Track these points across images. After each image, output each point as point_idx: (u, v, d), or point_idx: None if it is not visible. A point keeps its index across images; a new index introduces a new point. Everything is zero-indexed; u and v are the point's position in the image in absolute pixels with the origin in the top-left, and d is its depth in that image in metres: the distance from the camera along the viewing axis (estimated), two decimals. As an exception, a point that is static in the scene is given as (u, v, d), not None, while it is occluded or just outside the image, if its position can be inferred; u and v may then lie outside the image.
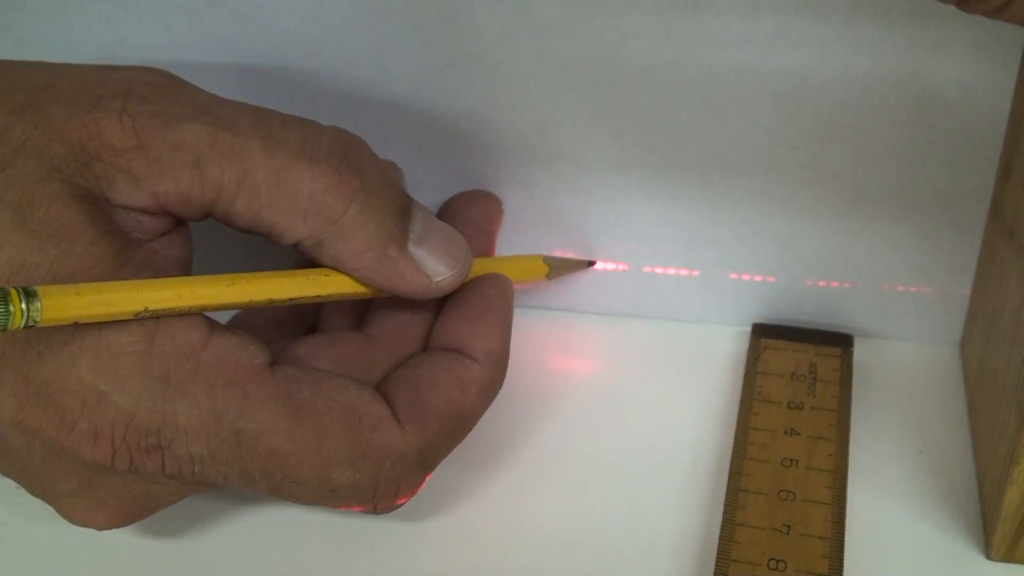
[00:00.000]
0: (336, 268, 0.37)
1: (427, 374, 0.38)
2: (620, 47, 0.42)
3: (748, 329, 0.47)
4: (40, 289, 0.30)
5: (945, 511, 0.40)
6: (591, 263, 0.48)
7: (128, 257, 0.34)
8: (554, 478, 0.42)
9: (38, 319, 0.30)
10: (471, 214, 0.45)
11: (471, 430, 0.39)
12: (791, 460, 0.41)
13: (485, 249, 0.45)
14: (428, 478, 0.38)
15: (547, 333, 0.49)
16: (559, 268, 0.47)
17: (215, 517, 0.41)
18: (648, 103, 0.43)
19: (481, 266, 0.41)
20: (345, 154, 0.37)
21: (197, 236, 0.38)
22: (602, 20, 0.41)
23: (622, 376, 0.47)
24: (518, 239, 0.48)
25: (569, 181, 0.46)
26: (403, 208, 0.38)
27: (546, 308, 0.50)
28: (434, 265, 0.38)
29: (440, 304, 0.40)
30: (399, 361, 0.39)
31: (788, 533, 0.38)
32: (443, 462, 0.38)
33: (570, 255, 0.48)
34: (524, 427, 0.44)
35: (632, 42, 0.41)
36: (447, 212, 0.45)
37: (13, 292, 0.30)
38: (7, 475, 0.36)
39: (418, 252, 0.38)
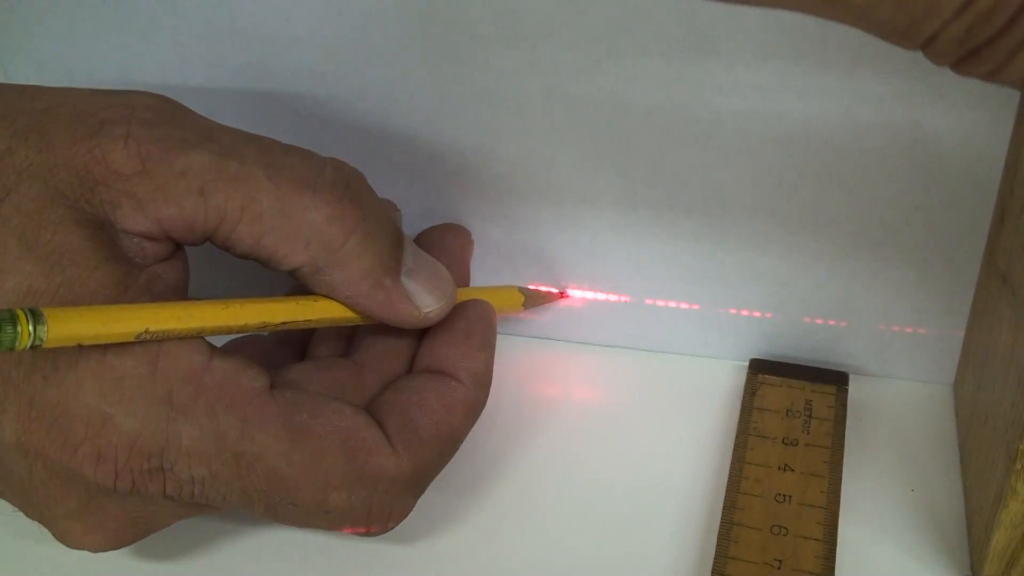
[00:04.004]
0: (330, 295, 0.38)
1: (415, 398, 0.38)
2: (628, 89, 0.42)
3: (745, 364, 0.48)
4: (45, 311, 0.31)
5: (934, 550, 0.40)
6: (563, 294, 0.49)
7: (131, 282, 0.35)
8: (548, 507, 0.43)
9: (44, 339, 0.31)
10: (446, 245, 0.46)
11: (457, 450, 0.39)
12: (784, 496, 0.41)
13: (462, 277, 0.45)
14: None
15: (547, 363, 0.49)
16: (534, 299, 0.48)
17: (209, 540, 0.42)
18: (654, 144, 0.43)
19: (461, 295, 0.42)
20: (348, 185, 0.37)
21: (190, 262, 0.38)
22: (610, 62, 0.41)
23: (620, 407, 0.47)
24: (521, 273, 0.48)
25: (574, 216, 0.46)
26: (397, 241, 0.39)
27: (547, 338, 0.50)
28: (423, 297, 0.39)
29: (423, 328, 0.41)
30: (387, 384, 0.40)
31: (780, 568, 0.38)
32: (448, 486, 0.39)
33: (544, 287, 0.49)
34: (521, 455, 0.45)
35: (639, 84, 0.42)
36: (421, 244, 0.45)
37: (20, 313, 0.31)
38: (3, 497, 0.36)
39: (409, 284, 0.39)
